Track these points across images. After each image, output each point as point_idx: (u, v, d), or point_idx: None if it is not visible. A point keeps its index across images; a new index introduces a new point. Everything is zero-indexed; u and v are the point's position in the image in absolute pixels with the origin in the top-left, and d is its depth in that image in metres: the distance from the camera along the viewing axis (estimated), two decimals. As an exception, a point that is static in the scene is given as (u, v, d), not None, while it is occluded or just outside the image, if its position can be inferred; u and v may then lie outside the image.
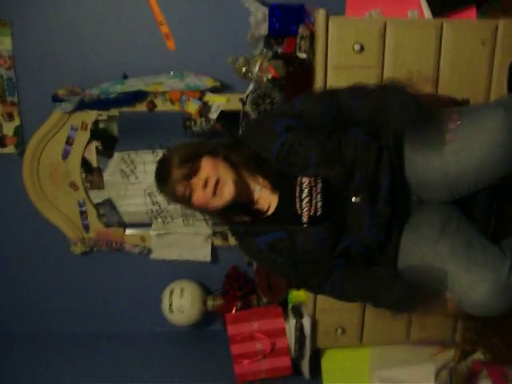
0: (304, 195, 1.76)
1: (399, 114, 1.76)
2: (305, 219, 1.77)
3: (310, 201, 1.75)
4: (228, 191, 1.75)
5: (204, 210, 1.85)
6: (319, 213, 1.75)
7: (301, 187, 1.76)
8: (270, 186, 1.83)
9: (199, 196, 1.76)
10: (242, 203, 1.85)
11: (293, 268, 1.87)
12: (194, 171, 1.74)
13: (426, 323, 2.75)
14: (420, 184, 1.80)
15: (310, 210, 1.76)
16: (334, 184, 1.76)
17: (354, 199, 1.76)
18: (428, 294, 1.75)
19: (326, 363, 2.88)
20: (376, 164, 1.76)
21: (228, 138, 1.95)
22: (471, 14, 2.60)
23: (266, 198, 1.86)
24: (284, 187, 1.81)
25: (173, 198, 1.82)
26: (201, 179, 1.74)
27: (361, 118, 1.81)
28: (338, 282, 1.87)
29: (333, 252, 1.81)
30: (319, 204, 1.75)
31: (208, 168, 1.75)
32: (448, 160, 1.69)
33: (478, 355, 2.69)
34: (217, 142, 1.91)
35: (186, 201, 1.79)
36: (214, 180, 1.73)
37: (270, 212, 1.85)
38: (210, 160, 1.77)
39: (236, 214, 1.86)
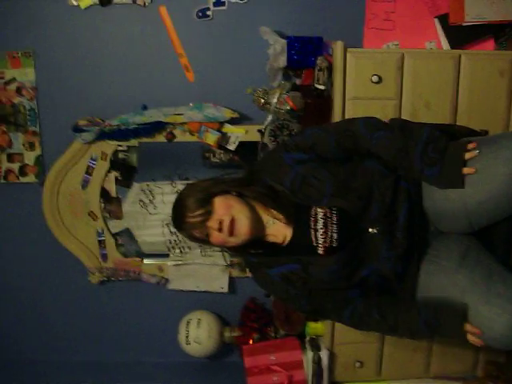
0: (319, 226, 1.76)
1: (419, 163, 1.74)
2: (320, 251, 1.76)
3: (326, 232, 1.75)
4: (244, 230, 1.76)
5: (223, 247, 1.90)
6: (335, 244, 1.75)
7: (316, 218, 1.76)
8: (284, 218, 1.83)
9: (216, 238, 1.77)
10: (257, 237, 1.85)
11: (307, 299, 1.86)
12: (208, 214, 1.75)
13: (447, 357, 2.70)
14: (438, 215, 1.79)
15: (325, 242, 1.75)
16: (349, 214, 1.75)
17: (370, 230, 1.75)
18: (448, 324, 1.72)
19: (345, 397, 2.83)
20: (393, 194, 1.75)
21: (241, 173, 1.94)
22: (489, 45, 2.61)
23: (280, 230, 1.86)
24: (299, 218, 1.81)
25: (192, 240, 1.85)
26: (215, 222, 1.75)
27: (378, 153, 1.80)
28: (357, 311, 1.85)
29: (348, 283, 1.80)
30: (335, 235, 1.75)
31: (221, 209, 1.75)
32: (467, 191, 1.68)
33: (500, 391, 2.64)
34: (229, 178, 1.93)
35: (204, 242, 1.82)
36: (228, 221, 1.74)
37: (284, 243, 1.85)
38: (222, 200, 1.78)
39: (251, 248, 1.87)
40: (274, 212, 1.84)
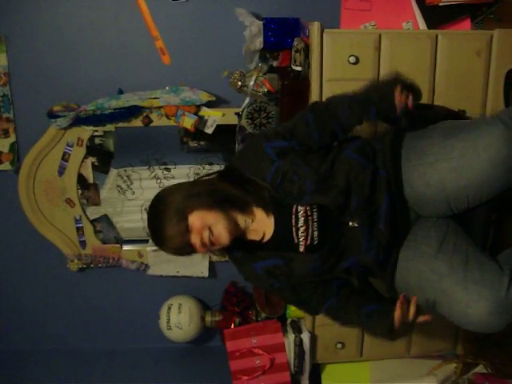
0: (300, 224, 1.76)
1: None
2: (301, 249, 1.78)
3: (307, 230, 1.76)
4: (223, 238, 1.76)
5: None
6: (315, 242, 1.76)
7: (297, 216, 1.76)
8: (263, 213, 1.83)
9: (202, 250, 1.79)
10: (239, 236, 1.85)
11: (290, 291, 1.89)
12: (188, 234, 1.74)
13: (427, 336, 2.73)
14: (419, 201, 1.79)
15: (306, 239, 1.76)
16: (330, 210, 1.75)
17: (350, 224, 1.76)
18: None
19: (326, 378, 2.84)
20: (372, 185, 1.75)
21: (215, 178, 1.92)
22: (466, 25, 2.61)
23: (260, 227, 1.85)
24: (280, 215, 1.81)
25: (172, 252, 1.84)
26: (197, 238, 1.75)
27: (344, 117, 1.83)
28: (333, 307, 1.90)
29: (330, 275, 1.83)
30: (315, 233, 1.76)
31: (197, 225, 1.74)
32: (447, 177, 1.68)
33: (480, 369, 2.66)
34: (203, 184, 1.91)
35: (186, 251, 1.82)
36: (208, 233, 1.74)
37: (266, 239, 1.85)
38: (196, 216, 1.75)
39: (234, 246, 1.86)
40: (253, 209, 1.84)
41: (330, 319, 1.97)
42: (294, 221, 1.77)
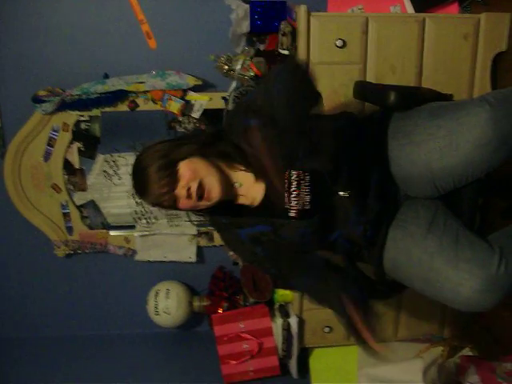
0: (292, 189, 1.73)
1: None
2: (292, 213, 1.73)
3: (299, 194, 1.72)
4: (214, 193, 1.70)
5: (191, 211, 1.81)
6: (307, 207, 1.73)
7: (289, 180, 1.73)
8: (253, 178, 1.80)
9: (185, 204, 1.70)
10: (227, 198, 1.81)
11: (273, 263, 1.85)
12: (174, 182, 1.67)
13: (414, 319, 2.74)
14: (405, 179, 1.78)
15: (298, 204, 1.73)
16: (322, 177, 1.73)
17: (341, 193, 1.74)
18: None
19: (314, 362, 2.86)
20: (364, 158, 1.75)
21: (205, 133, 1.88)
22: (453, 9, 2.61)
23: (250, 191, 1.81)
24: (271, 180, 1.77)
25: (158, 207, 1.77)
26: (183, 189, 1.68)
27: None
28: (312, 289, 1.90)
29: (318, 246, 1.80)
30: (307, 198, 1.72)
31: (187, 174, 1.68)
32: (433, 156, 1.67)
33: (466, 351, 2.68)
34: (191, 137, 1.85)
35: (172, 208, 1.75)
36: (196, 186, 1.67)
37: (255, 204, 1.82)
38: (187, 165, 1.70)
39: (221, 209, 1.83)
40: (242, 172, 1.81)
41: (308, 297, 1.96)
42: (286, 185, 1.73)
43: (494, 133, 1.57)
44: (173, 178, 1.68)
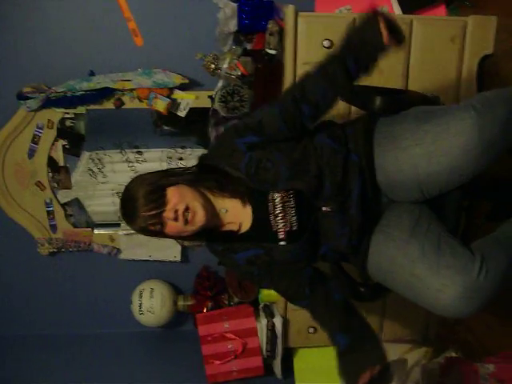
0: (278, 211, 1.74)
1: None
2: (281, 236, 1.75)
3: (285, 216, 1.73)
4: (199, 216, 1.70)
5: (178, 238, 1.82)
6: (294, 228, 1.74)
7: (274, 203, 1.74)
8: (240, 204, 1.80)
9: (172, 228, 1.70)
10: (213, 228, 1.81)
11: (270, 281, 1.88)
12: (161, 205, 1.68)
13: (399, 321, 2.75)
14: (391, 186, 1.78)
15: (285, 226, 1.74)
16: (304, 197, 1.74)
17: (324, 209, 1.75)
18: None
19: (298, 362, 2.86)
20: (344, 170, 1.74)
21: (192, 168, 1.89)
22: (441, 11, 2.61)
23: (237, 217, 1.81)
24: (257, 204, 1.78)
25: (145, 233, 1.75)
26: (170, 212, 1.68)
27: (317, 94, 1.75)
28: (310, 305, 1.88)
29: (309, 262, 1.83)
30: (294, 219, 1.73)
31: (175, 198, 1.69)
32: (419, 162, 1.67)
33: (450, 352, 2.69)
34: (179, 169, 1.88)
35: (159, 235, 1.74)
36: (183, 209, 1.68)
37: (243, 230, 1.81)
38: (175, 190, 1.71)
39: (211, 238, 1.84)
40: (228, 199, 1.81)
41: (310, 312, 1.95)
42: (271, 208, 1.74)
43: (480, 138, 1.57)
44: (160, 202, 1.68)
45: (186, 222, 1.69)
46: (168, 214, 1.68)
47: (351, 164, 1.76)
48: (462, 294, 1.60)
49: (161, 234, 1.74)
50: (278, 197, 1.73)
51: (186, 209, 1.69)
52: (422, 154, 1.66)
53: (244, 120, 1.85)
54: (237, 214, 1.81)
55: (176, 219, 1.68)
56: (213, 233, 1.82)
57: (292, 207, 1.73)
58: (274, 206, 1.74)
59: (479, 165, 1.63)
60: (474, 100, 1.67)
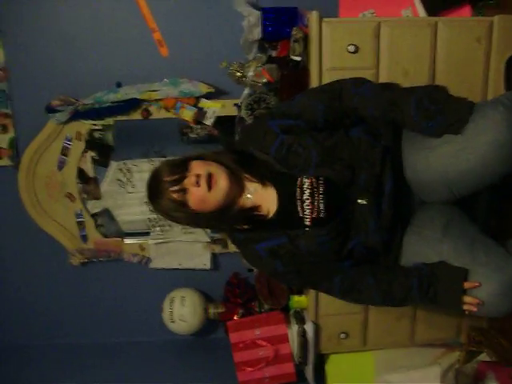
0: (305, 197, 1.72)
1: (416, 110, 1.71)
2: (307, 222, 1.73)
3: (312, 203, 1.72)
4: (223, 182, 1.70)
5: (202, 215, 1.76)
6: (322, 215, 1.72)
7: (302, 189, 1.73)
8: (263, 188, 1.80)
9: (194, 195, 1.69)
10: (240, 210, 1.81)
11: (295, 274, 1.84)
12: (184, 173, 1.70)
13: (431, 324, 2.72)
14: (421, 185, 1.78)
15: (312, 212, 1.72)
16: (336, 184, 1.73)
17: (359, 201, 1.73)
18: (446, 295, 1.72)
19: (331, 368, 2.84)
20: (381, 164, 1.73)
21: (221, 146, 1.91)
22: (466, 12, 2.59)
23: (264, 202, 1.81)
24: (284, 189, 1.77)
25: (168, 209, 1.74)
26: (192, 177, 1.68)
27: (363, 110, 1.78)
28: (348, 277, 1.83)
29: (337, 255, 1.78)
30: (322, 206, 1.72)
31: (198, 166, 1.71)
32: (448, 161, 1.67)
33: (484, 356, 2.65)
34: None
35: (182, 206, 1.71)
36: (206, 174, 1.68)
37: (270, 216, 1.81)
38: (199, 161, 1.74)
39: (235, 222, 1.83)
40: (252, 181, 1.80)
41: (343, 294, 1.89)
42: (299, 194, 1.73)
43: (509, 136, 1.56)
44: (183, 168, 1.70)
45: (210, 188, 1.69)
46: (190, 179, 1.68)
47: (387, 159, 1.75)
48: (499, 291, 1.59)
49: (185, 207, 1.71)
50: (306, 182, 1.72)
51: (209, 176, 1.69)
52: (451, 153, 1.65)
53: (282, 107, 1.86)
54: (261, 198, 1.80)
55: (198, 184, 1.68)
56: (238, 215, 1.80)
57: (321, 194, 1.71)
58: (302, 192, 1.72)
59: (509, 164, 1.62)
60: (502, 96, 1.66)
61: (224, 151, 1.85)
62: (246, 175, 1.80)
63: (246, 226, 1.83)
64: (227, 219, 1.79)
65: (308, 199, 1.72)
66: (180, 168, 1.71)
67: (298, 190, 1.73)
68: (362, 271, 1.82)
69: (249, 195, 1.80)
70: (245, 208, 1.81)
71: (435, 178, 1.72)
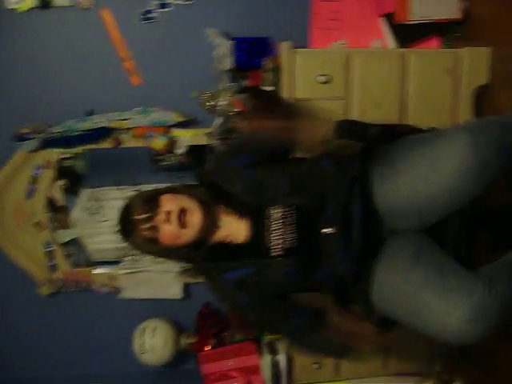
0: (275, 227, 1.71)
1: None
2: (277, 252, 1.72)
3: (284, 233, 1.71)
4: (196, 217, 1.68)
5: (173, 249, 1.74)
6: (292, 245, 1.71)
7: (272, 219, 1.72)
8: (235, 219, 1.79)
9: (165, 232, 1.67)
10: (213, 243, 1.79)
11: (258, 309, 1.83)
12: (155, 209, 1.67)
13: (404, 353, 2.72)
14: (390, 211, 1.78)
15: (283, 243, 1.71)
16: (306, 214, 1.72)
17: (326, 230, 1.73)
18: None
19: (304, 399, 2.82)
20: (348, 193, 1.74)
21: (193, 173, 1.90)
22: (435, 43, 2.63)
23: (236, 233, 1.79)
24: (254, 220, 1.76)
25: (140, 244, 1.73)
26: (162, 214, 1.66)
27: None
28: (297, 327, 1.86)
29: (304, 285, 1.78)
30: (292, 235, 1.71)
31: (169, 202, 1.68)
32: (416, 185, 1.68)
33: (457, 385, 2.67)
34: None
35: (154, 243, 1.69)
36: (178, 210, 1.66)
37: (238, 247, 1.79)
38: (169, 195, 1.71)
39: (207, 254, 1.80)
40: (223, 213, 1.78)
41: (292, 342, 1.94)
42: (268, 224, 1.71)
43: (475, 158, 1.57)
44: (153, 205, 1.67)
45: (181, 225, 1.66)
46: (161, 216, 1.65)
47: (355, 188, 1.75)
48: (470, 316, 1.58)
49: (156, 244, 1.69)
50: (275, 212, 1.71)
51: (182, 211, 1.66)
52: (420, 177, 1.66)
53: (239, 140, 1.87)
54: (233, 229, 1.78)
55: (168, 221, 1.65)
56: (208, 250, 1.78)
57: (291, 224, 1.71)
58: (271, 222, 1.71)
59: (476, 186, 1.63)
60: (469, 123, 1.69)
61: (196, 183, 1.84)
62: (221, 207, 1.79)
63: (214, 255, 1.81)
64: (199, 252, 1.77)
65: (278, 229, 1.71)
66: (150, 204, 1.68)
67: (268, 220, 1.72)
68: (309, 326, 1.85)
69: (222, 227, 1.78)
70: (217, 240, 1.79)
71: (405, 203, 1.72)
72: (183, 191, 1.75)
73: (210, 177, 1.84)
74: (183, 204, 1.68)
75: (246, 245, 1.78)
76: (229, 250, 1.80)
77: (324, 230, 1.72)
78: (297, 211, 1.72)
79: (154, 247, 1.72)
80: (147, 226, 1.67)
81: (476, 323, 1.59)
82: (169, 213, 1.66)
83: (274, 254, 1.72)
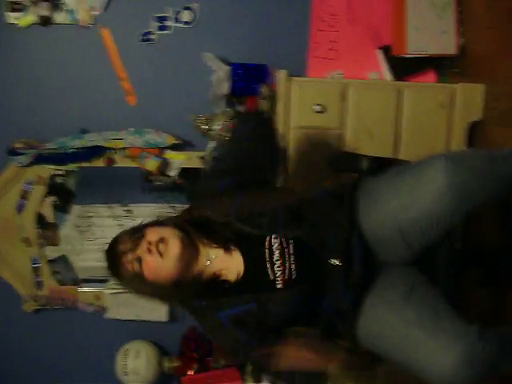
0: (275, 258, 1.67)
1: None
2: (279, 285, 1.67)
3: (283, 264, 1.67)
4: (174, 246, 1.62)
5: (161, 286, 1.68)
6: (294, 276, 1.68)
7: (271, 249, 1.68)
8: (230, 251, 1.76)
9: (147, 263, 1.62)
10: (200, 278, 1.72)
11: (254, 346, 1.74)
12: (137, 242, 1.64)
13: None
14: (377, 241, 1.77)
15: (284, 274, 1.66)
16: (304, 245, 1.71)
17: (332, 261, 1.70)
18: None
19: (286, 428, 2.79)
20: (350, 225, 1.73)
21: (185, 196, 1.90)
22: (431, 77, 2.66)
23: (228, 267, 1.72)
24: (251, 251, 1.71)
25: (129, 281, 1.70)
26: (144, 244, 1.63)
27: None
28: None
29: (307, 319, 1.76)
30: (293, 266, 1.67)
31: (151, 233, 1.65)
32: (399, 212, 1.68)
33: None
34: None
35: (140, 279, 1.64)
36: (157, 240, 1.62)
37: (235, 281, 1.72)
38: (153, 227, 1.69)
39: (196, 292, 1.73)
40: (212, 247, 1.74)
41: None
42: (268, 255, 1.67)
43: (451, 184, 1.58)
44: (137, 236, 1.65)
45: (161, 254, 1.62)
46: (142, 246, 1.62)
47: (355, 221, 1.75)
48: (461, 359, 1.56)
49: (141, 278, 1.64)
50: (275, 242, 1.68)
51: (161, 240, 1.63)
52: (401, 204, 1.67)
53: (220, 164, 1.87)
54: (224, 263, 1.72)
55: (149, 251, 1.62)
56: (196, 286, 1.72)
57: (291, 254, 1.67)
58: (272, 253, 1.67)
59: (455, 212, 1.63)
60: (451, 151, 1.70)
61: (182, 215, 1.82)
62: (206, 241, 1.74)
63: (207, 293, 1.74)
64: (187, 289, 1.71)
65: (278, 260, 1.68)
66: (135, 236, 1.66)
67: (267, 251, 1.68)
68: None
69: (208, 262, 1.72)
70: (206, 276, 1.73)
71: (389, 231, 1.71)
72: (168, 223, 1.73)
73: (197, 211, 1.82)
74: (163, 234, 1.65)
75: (245, 278, 1.72)
76: (223, 285, 1.74)
77: (333, 261, 1.70)
78: (295, 242, 1.70)
79: (142, 285, 1.66)
80: (130, 257, 1.64)
81: (466, 366, 1.57)
82: (150, 243, 1.63)
83: (278, 287, 1.67)
